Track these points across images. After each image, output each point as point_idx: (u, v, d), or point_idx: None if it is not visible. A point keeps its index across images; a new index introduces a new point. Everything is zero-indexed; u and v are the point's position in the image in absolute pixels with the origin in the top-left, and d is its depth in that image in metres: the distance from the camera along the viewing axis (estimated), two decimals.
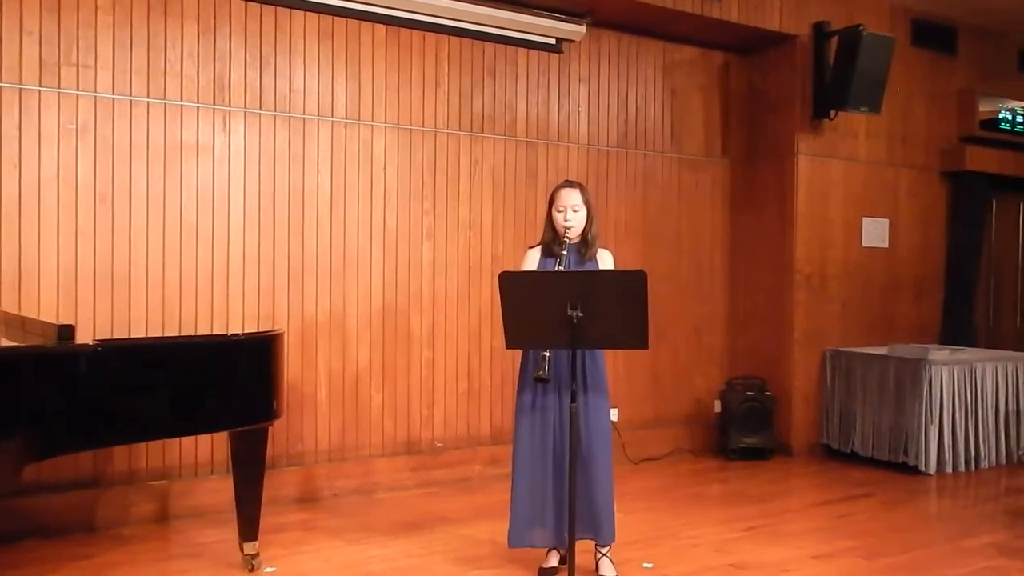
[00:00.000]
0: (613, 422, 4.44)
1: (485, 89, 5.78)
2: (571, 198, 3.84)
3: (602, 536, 3.86)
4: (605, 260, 3.92)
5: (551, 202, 3.92)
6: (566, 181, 3.97)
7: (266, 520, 4.20)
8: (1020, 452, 6.46)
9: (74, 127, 4.52)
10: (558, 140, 6.07)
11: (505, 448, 5.71)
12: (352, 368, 5.32)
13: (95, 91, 4.57)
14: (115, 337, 4.33)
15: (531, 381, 3.76)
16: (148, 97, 4.71)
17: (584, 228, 3.87)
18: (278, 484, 4.99)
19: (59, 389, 3.16)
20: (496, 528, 4.63)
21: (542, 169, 5.99)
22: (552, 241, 3.90)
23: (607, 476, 3.85)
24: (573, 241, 3.85)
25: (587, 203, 3.86)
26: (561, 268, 3.72)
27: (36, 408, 3.10)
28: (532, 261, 3.96)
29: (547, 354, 3.61)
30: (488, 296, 5.69)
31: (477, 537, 4.52)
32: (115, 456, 4.62)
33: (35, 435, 3.11)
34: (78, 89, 4.53)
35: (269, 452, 4.20)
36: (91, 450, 4.08)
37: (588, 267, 3.84)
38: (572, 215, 3.82)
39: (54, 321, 3.87)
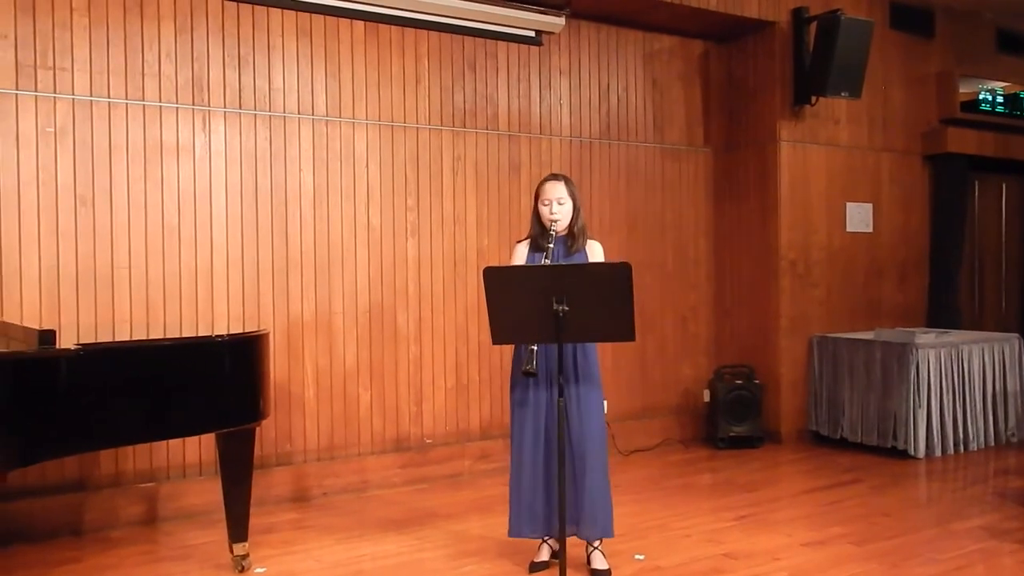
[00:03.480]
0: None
1: (466, 83, 5.76)
2: (556, 191, 3.83)
3: (594, 532, 3.83)
4: (594, 251, 3.91)
5: (536, 196, 3.91)
6: (551, 174, 3.97)
7: (256, 520, 4.19)
8: (1008, 433, 6.51)
9: (52, 130, 4.48)
10: (540, 133, 6.05)
11: (494, 443, 5.75)
12: (340, 366, 5.30)
13: (72, 93, 4.53)
14: (98, 340, 4.30)
15: (521, 376, 3.75)
16: (126, 99, 4.67)
17: (570, 221, 3.87)
18: (267, 484, 4.98)
19: (41, 395, 3.14)
20: (487, 523, 4.64)
21: (525, 162, 5.97)
22: (539, 235, 3.89)
23: (600, 471, 3.81)
24: (560, 234, 3.86)
25: (572, 195, 3.86)
26: (548, 262, 3.71)
27: (19, 414, 3.07)
28: (520, 256, 3.95)
29: (534, 348, 3.61)
30: (474, 291, 5.68)
31: (468, 533, 4.51)
32: (102, 459, 4.59)
33: (18, 441, 3.08)
34: (55, 92, 4.49)
35: (258, 452, 4.18)
36: (75, 455, 4.04)
37: (576, 259, 3.84)
38: (558, 208, 3.81)
39: (36, 325, 3.84)
